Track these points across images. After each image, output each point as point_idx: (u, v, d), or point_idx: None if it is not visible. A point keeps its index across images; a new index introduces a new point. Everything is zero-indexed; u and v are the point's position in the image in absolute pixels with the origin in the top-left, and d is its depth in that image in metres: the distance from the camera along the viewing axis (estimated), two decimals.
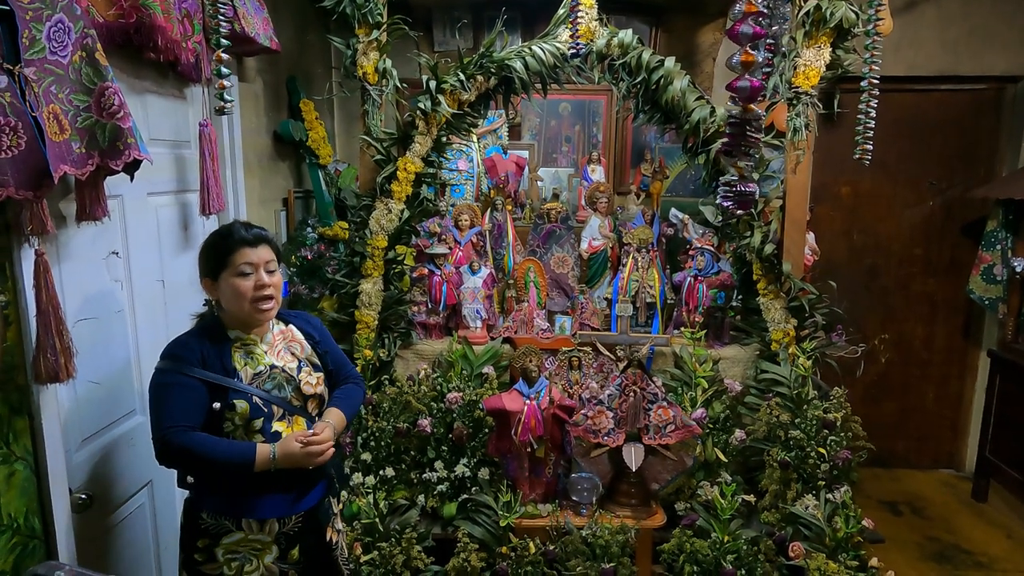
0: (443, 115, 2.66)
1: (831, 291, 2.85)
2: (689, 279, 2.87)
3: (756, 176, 2.57)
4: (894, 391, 4.16)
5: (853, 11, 2.43)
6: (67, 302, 1.62)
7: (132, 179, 1.72)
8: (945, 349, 4.13)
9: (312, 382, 1.71)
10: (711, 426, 2.58)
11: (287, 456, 1.56)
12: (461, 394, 2.54)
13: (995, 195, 3.64)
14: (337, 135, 3.78)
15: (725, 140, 1.58)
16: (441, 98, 2.62)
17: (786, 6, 2.66)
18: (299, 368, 1.71)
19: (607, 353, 2.79)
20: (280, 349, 1.71)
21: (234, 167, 2.61)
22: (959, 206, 3.96)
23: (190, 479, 1.60)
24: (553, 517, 2.34)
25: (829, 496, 2.35)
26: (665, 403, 2.37)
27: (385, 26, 2.64)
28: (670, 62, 2.61)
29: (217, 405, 1.55)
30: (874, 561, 2.23)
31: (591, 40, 2.62)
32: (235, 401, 1.57)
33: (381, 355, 2.73)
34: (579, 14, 2.51)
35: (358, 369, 2.13)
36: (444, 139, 2.75)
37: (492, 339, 2.89)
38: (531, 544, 2.20)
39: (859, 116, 2.34)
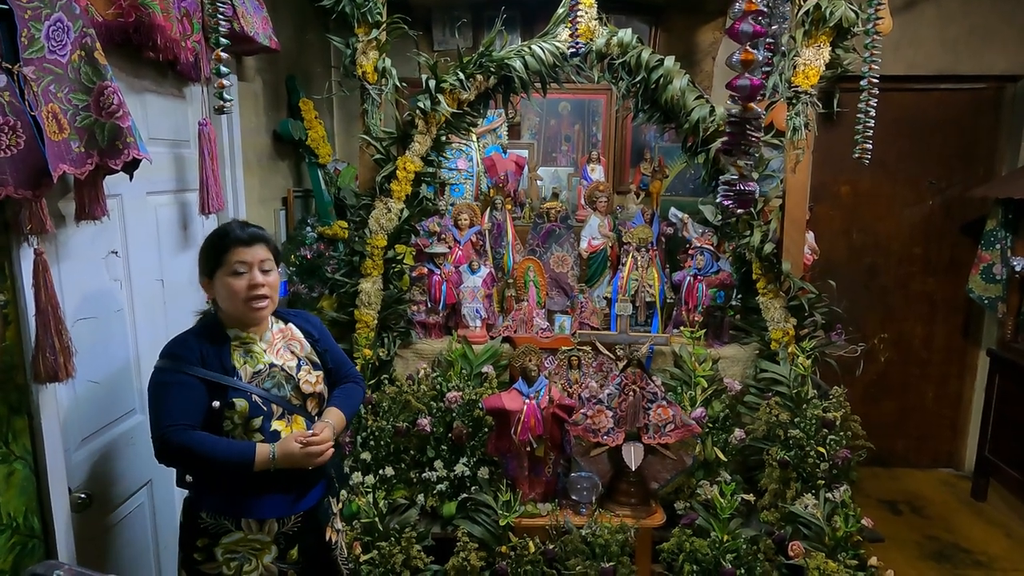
0: (442, 114, 2.65)
1: (830, 290, 2.85)
2: (688, 278, 2.87)
3: (756, 175, 2.57)
4: (893, 390, 4.16)
5: (853, 10, 2.43)
6: (66, 301, 1.62)
7: (131, 178, 1.72)
8: (944, 348, 4.13)
9: (311, 381, 1.71)
10: (710, 425, 2.58)
11: (286, 456, 1.56)
12: (460, 393, 2.54)
13: (994, 194, 3.64)
14: (336, 134, 3.78)
15: (725, 139, 1.58)
16: (440, 97, 2.62)
17: (786, 5, 2.66)
18: (298, 366, 1.71)
19: (606, 352, 2.79)
20: (280, 347, 1.71)
21: (233, 166, 2.61)
22: (958, 205, 3.96)
23: (189, 478, 1.60)
24: (553, 516, 2.34)
25: (828, 495, 2.35)
26: (664, 402, 2.37)
27: (384, 25, 2.64)
28: (669, 61, 2.61)
29: (216, 404, 1.55)
30: (873, 560, 2.22)
31: (590, 39, 2.62)
32: (234, 400, 1.57)
33: (380, 354, 2.73)
34: (578, 13, 2.51)
35: (358, 368, 2.13)
36: (443, 138, 2.75)
37: (492, 338, 2.89)
38: (531, 543, 2.20)
39: (858, 115, 2.34)
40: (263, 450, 1.55)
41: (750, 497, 2.44)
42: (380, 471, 2.44)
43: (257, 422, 1.59)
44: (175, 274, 2.22)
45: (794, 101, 2.55)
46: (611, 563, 2.12)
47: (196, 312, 2.28)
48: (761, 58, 1.45)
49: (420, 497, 2.46)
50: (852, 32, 2.49)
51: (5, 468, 1.52)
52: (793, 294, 2.67)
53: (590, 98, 3.77)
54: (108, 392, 1.89)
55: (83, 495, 1.73)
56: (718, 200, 2.09)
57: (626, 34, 2.62)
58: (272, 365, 1.66)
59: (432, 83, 2.62)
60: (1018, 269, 3.54)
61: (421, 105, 2.62)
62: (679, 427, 2.35)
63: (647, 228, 3.03)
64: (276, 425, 1.62)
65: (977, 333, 4.05)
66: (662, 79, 2.60)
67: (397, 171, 2.69)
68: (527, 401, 2.36)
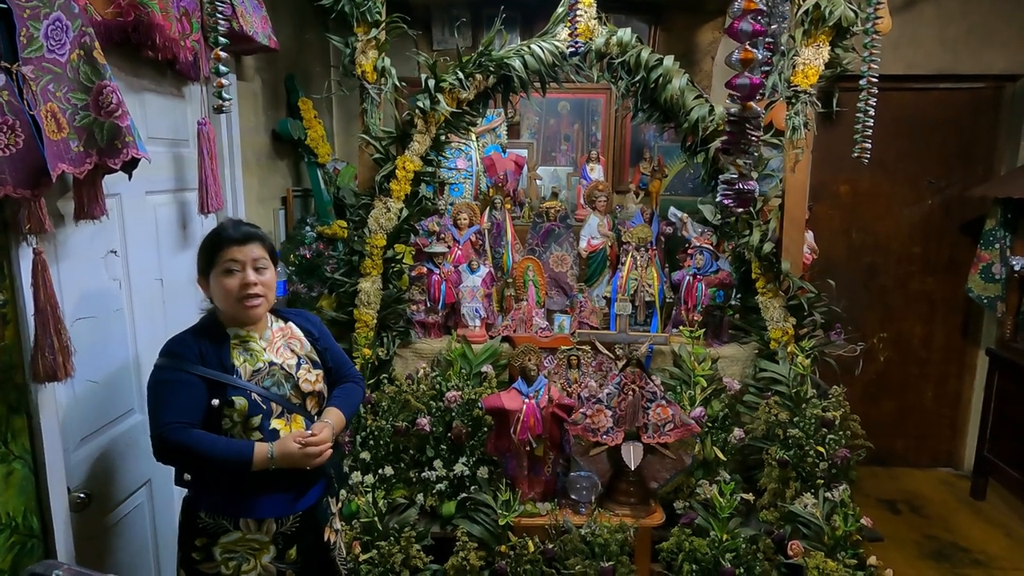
0: (442, 114, 2.65)
1: (830, 290, 2.85)
2: (688, 278, 2.87)
3: (755, 174, 2.57)
4: (893, 390, 4.17)
5: (852, 9, 2.43)
6: (65, 301, 1.62)
7: (130, 178, 1.72)
8: (944, 348, 4.13)
9: (311, 379, 1.71)
10: (710, 425, 2.58)
11: (285, 456, 1.56)
12: (460, 393, 2.53)
13: (994, 194, 3.64)
14: (336, 134, 3.78)
15: (724, 138, 1.57)
16: (440, 97, 2.62)
17: (785, 4, 2.66)
18: (298, 365, 1.71)
19: (606, 352, 2.79)
20: (279, 346, 1.71)
21: (232, 166, 2.61)
22: (958, 205, 3.96)
23: (187, 477, 1.60)
24: (552, 516, 2.34)
25: (828, 495, 2.35)
26: (664, 402, 2.37)
27: (384, 24, 2.63)
28: (669, 60, 2.61)
29: (216, 402, 1.55)
30: (872, 559, 2.22)
31: (590, 39, 2.62)
32: (233, 398, 1.57)
33: (380, 354, 2.73)
34: (578, 12, 2.51)
35: (357, 368, 2.13)
36: (443, 138, 2.75)
37: (491, 338, 2.89)
38: (530, 543, 2.20)
39: (858, 115, 2.34)
40: (261, 449, 1.55)
41: (749, 496, 2.44)
42: (379, 470, 2.44)
43: (256, 420, 1.59)
44: (174, 273, 2.22)
45: (793, 100, 2.55)
46: (610, 562, 2.12)
47: (201, 309, 2.28)
48: (760, 57, 1.44)
49: (419, 496, 2.46)
50: (851, 31, 2.49)
51: (4, 468, 1.51)
52: (792, 293, 2.67)
53: (589, 97, 3.77)
54: (107, 392, 1.89)
55: (82, 495, 1.73)
56: (717, 199, 2.09)
57: (625, 33, 2.62)
58: (272, 363, 1.66)
59: (431, 82, 2.62)
60: (1017, 268, 3.54)
61: (420, 104, 2.62)
62: (678, 426, 2.35)
63: (646, 227, 3.03)
64: (275, 424, 1.62)
65: (976, 332, 4.06)
66: (661, 78, 2.60)
67: (396, 170, 2.69)
68: (526, 400, 2.35)
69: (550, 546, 2.21)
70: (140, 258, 2.04)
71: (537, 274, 3.01)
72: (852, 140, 2.36)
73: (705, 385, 2.64)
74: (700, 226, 3.10)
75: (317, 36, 3.34)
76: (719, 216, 2.80)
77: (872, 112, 2.32)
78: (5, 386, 1.52)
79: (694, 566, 2.17)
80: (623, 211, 3.50)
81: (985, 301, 3.76)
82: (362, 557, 2.19)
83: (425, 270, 2.90)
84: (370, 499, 2.32)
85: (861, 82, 2.31)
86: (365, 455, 2.48)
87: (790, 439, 2.45)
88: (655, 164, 3.49)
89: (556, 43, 2.64)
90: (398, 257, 2.77)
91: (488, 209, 3.27)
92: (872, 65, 2.29)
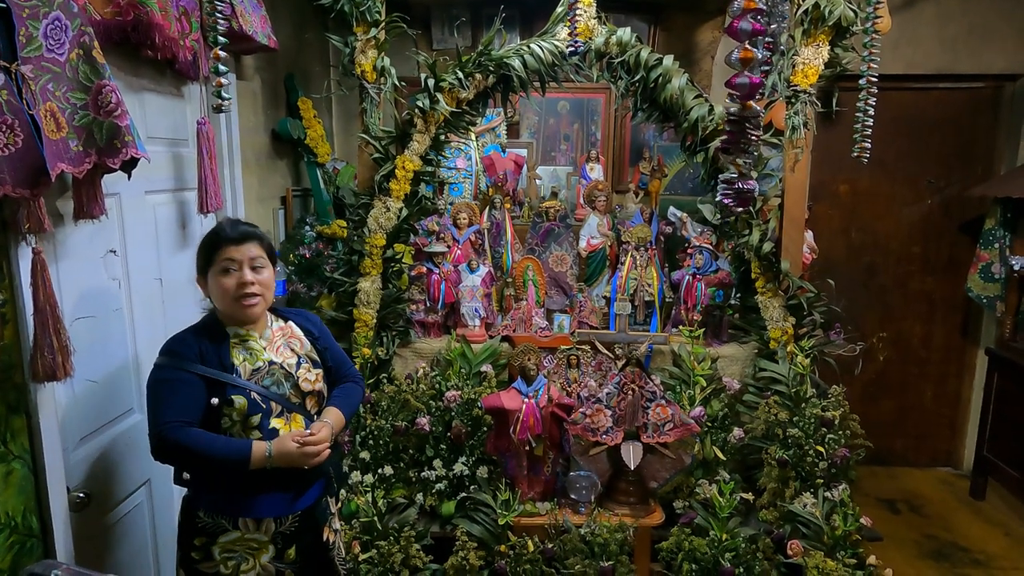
0: (441, 113, 2.65)
1: (829, 289, 2.85)
2: (687, 277, 2.87)
3: (755, 174, 2.57)
4: (892, 389, 4.17)
5: (852, 9, 2.43)
6: (64, 300, 1.62)
7: (130, 177, 1.72)
8: (943, 347, 4.13)
9: (311, 379, 1.71)
10: (709, 424, 2.58)
11: (283, 455, 1.56)
12: (459, 392, 2.53)
13: (993, 193, 3.64)
14: (335, 133, 3.78)
15: (724, 138, 1.58)
16: (439, 96, 2.62)
17: (785, 4, 2.66)
18: (298, 364, 1.70)
19: (605, 351, 2.79)
20: (279, 345, 1.71)
21: (232, 165, 2.61)
22: (957, 204, 3.96)
23: (186, 476, 1.60)
24: (552, 515, 2.34)
25: (827, 494, 2.35)
26: (663, 401, 2.37)
27: (383, 24, 2.63)
28: (668, 60, 2.61)
29: (215, 401, 1.55)
30: (872, 559, 2.23)
31: (589, 38, 2.62)
32: (233, 397, 1.57)
33: (379, 353, 2.73)
34: (577, 12, 2.51)
35: (357, 367, 2.13)
36: (442, 137, 2.75)
37: (491, 337, 2.89)
38: (530, 542, 2.20)
39: (857, 114, 2.34)
40: (259, 448, 1.55)
41: (749, 496, 2.44)
42: (379, 470, 2.44)
43: (256, 420, 1.59)
44: (173, 273, 2.22)
45: (793, 100, 2.55)
46: (610, 562, 2.13)
47: (202, 309, 2.28)
48: (760, 56, 1.44)
49: (419, 496, 2.46)
50: (851, 31, 2.49)
51: (3, 467, 1.51)
52: (792, 293, 2.67)
53: (589, 97, 3.77)
54: (107, 391, 1.89)
55: (81, 494, 1.73)
56: (717, 199, 2.09)
57: (625, 33, 2.62)
58: (271, 363, 1.66)
59: (431, 82, 2.61)
60: (1016, 268, 3.54)
61: (420, 104, 2.62)
62: (678, 426, 2.35)
63: (646, 227, 3.04)
64: (275, 423, 1.62)
65: (976, 332, 4.06)
66: (661, 78, 2.60)
67: (396, 170, 2.69)
68: (526, 400, 2.35)
69: (550, 546, 2.21)
70: (139, 258, 2.04)
71: (537, 274, 3.01)
72: (852, 140, 2.36)
73: (704, 385, 2.64)
74: (700, 226, 3.10)
75: (316, 35, 3.34)
76: (719, 216, 2.80)
77: (872, 112, 2.33)
78: (4, 386, 1.52)
79: (694, 566, 2.17)
80: (623, 211, 3.50)
81: (984, 301, 3.76)
82: (362, 557, 2.19)
83: (425, 270, 2.90)
84: (369, 499, 2.32)
85: (861, 82, 2.31)
86: (365, 455, 2.48)
87: (790, 439, 2.45)
88: (655, 164, 3.49)
89: (556, 43, 2.64)
90: (398, 257, 2.77)
91: (488, 209, 3.27)
92: (872, 65, 2.30)
